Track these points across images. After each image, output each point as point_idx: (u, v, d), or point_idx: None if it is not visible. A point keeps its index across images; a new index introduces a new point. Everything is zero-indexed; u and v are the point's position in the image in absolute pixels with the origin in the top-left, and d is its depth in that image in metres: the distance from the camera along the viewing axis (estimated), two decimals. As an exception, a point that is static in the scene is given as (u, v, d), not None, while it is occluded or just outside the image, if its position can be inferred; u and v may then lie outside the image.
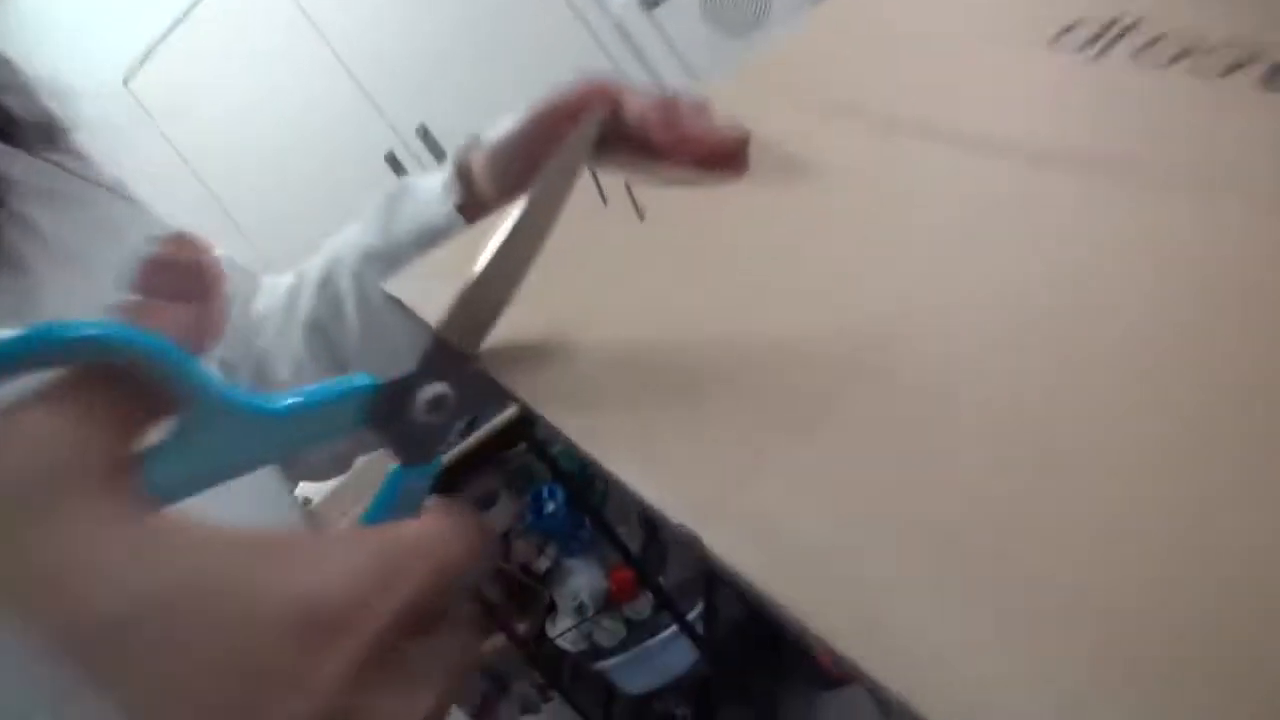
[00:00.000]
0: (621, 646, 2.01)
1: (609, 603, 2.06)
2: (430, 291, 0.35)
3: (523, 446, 1.87)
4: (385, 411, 0.27)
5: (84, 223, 0.45)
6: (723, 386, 0.26)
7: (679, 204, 0.36)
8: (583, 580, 2.06)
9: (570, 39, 2.09)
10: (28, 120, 0.46)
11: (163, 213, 0.59)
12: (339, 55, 2.21)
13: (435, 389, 0.28)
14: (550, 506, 2.07)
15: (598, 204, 0.37)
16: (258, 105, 2.28)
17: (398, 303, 0.36)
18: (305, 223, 2.24)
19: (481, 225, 0.40)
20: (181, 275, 0.27)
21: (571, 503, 2.04)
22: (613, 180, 0.38)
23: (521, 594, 2.14)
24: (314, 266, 0.58)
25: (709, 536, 0.21)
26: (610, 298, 0.31)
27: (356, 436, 0.27)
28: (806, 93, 0.40)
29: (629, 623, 2.06)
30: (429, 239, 0.50)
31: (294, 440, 0.26)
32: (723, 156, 0.38)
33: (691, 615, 2.01)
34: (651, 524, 2.17)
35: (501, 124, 0.48)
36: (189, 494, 0.24)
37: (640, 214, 0.36)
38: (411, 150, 2.25)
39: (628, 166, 0.39)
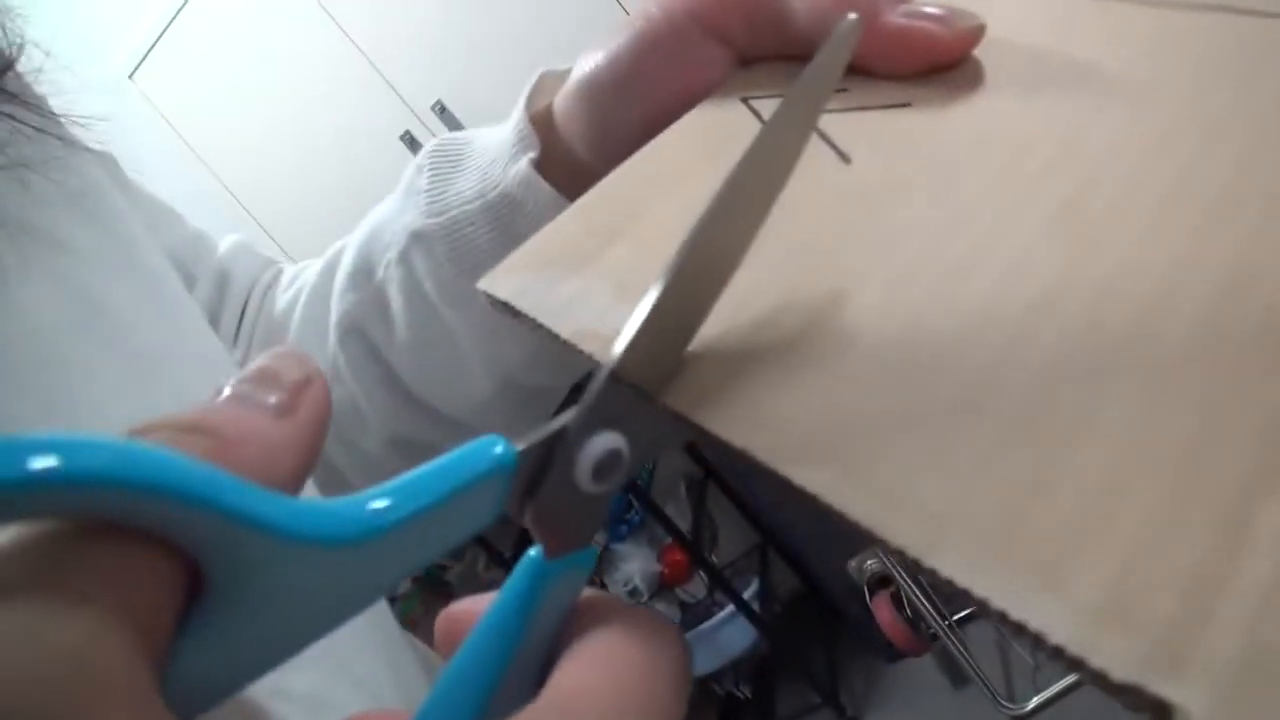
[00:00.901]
0: (677, 630, 1.95)
1: (662, 586, 2.00)
2: (555, 289, 0.25)
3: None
4: (530, 486, 0.19)
5: (51, 193, 0.34)
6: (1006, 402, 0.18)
7: (894, 136, 0.26)
8: (634, 565, 2.00)
9: (587, 5, 1.98)
10: None
11: (176, 207, 0.50)
12: (347, 32, 2.11)
13: (605, 443, 0.19)
14: (596, 490, 2.00)
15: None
16: (265, 90, 2.19)
17: (506, 309, 0.25)
18: (322, 210, 2.18)
19: (617, 184, 0.28)
20: (275, 386, 0.16)
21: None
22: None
23: (571, 581, 2.07)
24: (345, 253, 0.45)
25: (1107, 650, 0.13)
26: (825, 283, 0.22)
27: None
28: None
29: (684, 605, 2.01)
30: (498, 211, 0.38)
31: (398, 567, 0.16)
32: (947, 62, 0.27)
33: (747, 594, 1.95)
34: (700, 499, 2.10)
35: (593, 50, 0.34)
36: (245, 684, 0.15)
37: (844, 156, 0.26)
38: (429, 128, 2.15)
39: None
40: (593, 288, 0.24)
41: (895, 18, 0.27)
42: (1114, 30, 0.27)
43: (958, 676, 1.84)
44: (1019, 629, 0.14)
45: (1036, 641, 0.14)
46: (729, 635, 1.95)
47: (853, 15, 0.21)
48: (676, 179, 0.27)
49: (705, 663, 1.96)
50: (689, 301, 0.20)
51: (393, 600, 2.11)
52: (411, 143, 2.16)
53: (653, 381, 0.20)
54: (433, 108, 2.13)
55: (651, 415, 0.20)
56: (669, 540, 1.96)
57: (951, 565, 0.15)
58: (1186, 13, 0.27)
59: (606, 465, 0.19)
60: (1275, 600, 0.13)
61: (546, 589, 0.19)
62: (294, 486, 0.16)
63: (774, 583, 2.12)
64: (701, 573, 1.95)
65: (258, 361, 0.17)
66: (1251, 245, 0.19)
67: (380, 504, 0.15)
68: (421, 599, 2.07)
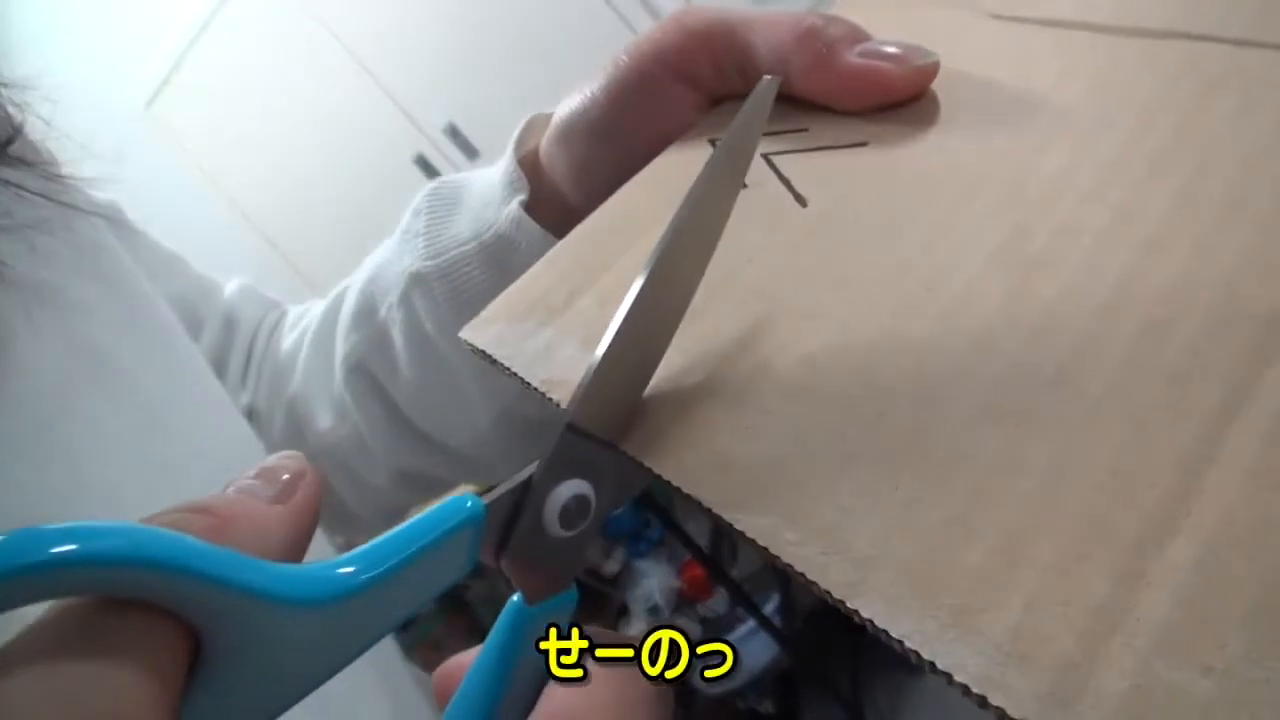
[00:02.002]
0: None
1: (683, 602, 2.00)
2: (529, 340, 0.26)
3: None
4: (503, 536, 0.20)
5: (57, 252, 0.35)
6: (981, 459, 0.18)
7: (849, 176, 0.27)
8: (654, 581, 2.00)
9: (597, 22, 2.00)
10: None
11: (195, 236, 0.52)
12: (359, 58, 2.14)
13: (570, 489, 0.20)
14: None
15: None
16: (280, 117, 2.22)
17: (485, 357, 0.27)
18: (337, 232, 2.20)
19: (586, 235, 0.29)
20: (272, 479, 0.19)
21: (637, 501, 1.97)
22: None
23: (591, 599, 2.08)
24: (348, 294, 0.47)
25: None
26: (779, 327, 0.23)
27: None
28: None
29: (705, 621, 2.00)
30: (492, 251, 0.39)
31: (379, 622, 0.18)
32: (902, 99, 0.28)
33: (768, 608, 1.94)
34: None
35: (572, 96, 0.35)
36: None
37: (800, 198, 0.26)
38: (441, 150, 2.17)
39: (763, 131, 0.29)
40: (561, 338, 0.26)
41: (851, 57, 0.28)
42: (1067, 61, 0.28)
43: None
44: (931, 667, 0.15)
45: (948, 679, 0.15)
46: (750, 650, 1.94)
47: (768, 78, 0.23)
48: (642, 229, 0.28)
49: (727, 678, 1.95)
50: (638, 352, 0.21)
51: (414, 621, 2.12)
52: (424, 165, 2.19)
53: (610, 429, 0.21)
54: (445, 130, 2.15)
55: (614, 460, 0.21)
56: (689, 556, 1.96)
57: (872, 608, 0.16)
58: (1140, 40, 0.27)
59: (574, 511, 0.20)
60: (1169, 636, 0.14)
61: (528, 634, 0.20)
62: (287, 559, 0.17)
63: (795, 597, 2.11)
64: (722, 588, 1.95)
65: (260, 462, 0.19)
66: (1184, 283, 0.20)
67: (350, 568, 0.17)
68: (444, 619, 2.08)
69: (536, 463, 0.20)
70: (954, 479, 0.18)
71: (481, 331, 0.27)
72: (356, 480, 0.50)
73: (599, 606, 2.06)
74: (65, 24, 2.06)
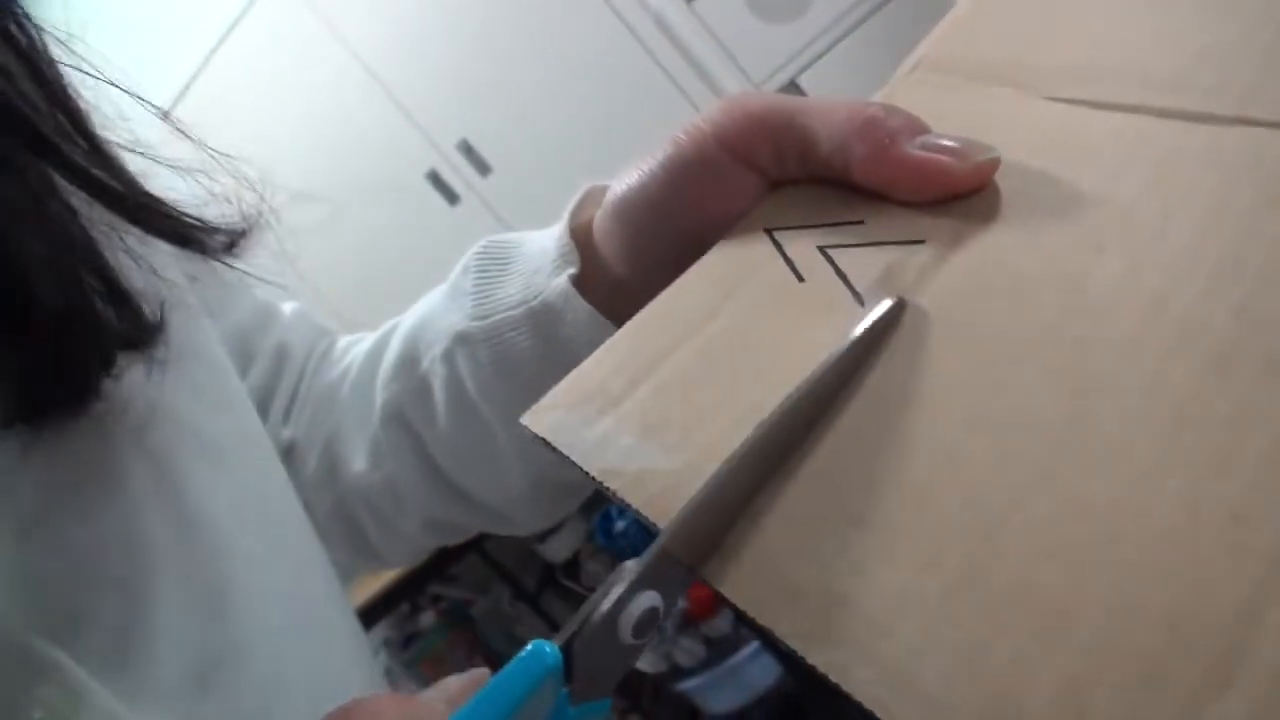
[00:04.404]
0: (702, 666, 1.95)
1: (687, 621, 1.99)
2: (588, 428, 0.26)
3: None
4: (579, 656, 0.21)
5: (183, 380, 0.38)
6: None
7: (908, 277, 0.27)
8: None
9: (608, 37, 2.00)
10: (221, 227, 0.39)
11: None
12: (373, 72, 2.15)
13: (646, 601, 0.22)
14: (620, 525, 2.01)
15: (787, 284, 0.28)
16: (294, 130, 2.22)
17: (544, 444, 0.27)
18: (350, 247, 2.20)
19: (644, 324, 0.29)
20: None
21: (641, 520, 1.96)
22: (802, 245, 0.29)
23: (596, 617, 2.07)
24: (393, 338, 0.47)
25: None
26: (862, 458, 0.24)
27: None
28: (1022, 68, 0.30)
29: (709, 641, 2.00)
30: (539, 319, 0.39)
31: None
32: (961, 193, 0.28)
33: (773, 630, 1.94)
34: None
35: (629, 172, 0.35)
36: None
37: (859, 297, 0.27)
38: (454, 166, 2.18)
39: (820, 221, 0.29)
40: (620, 428, 0.26)
41: (912, 149, 0.28)
42: (1125, 149, 0.27)
43: None
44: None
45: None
46: (754, 671, 1.94)
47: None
48: (700, 320, 0.28)
49: (732, 699, 1.95)
50: (736, 492, 0.23)
51: (417, 635, 2.12)
52: (437, 181, 2.19)
53: (695, 556, 0.22)
54: (458, 146, 2.16)
55: (685, 577, 0.23)
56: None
57: None
58: (1203, 126, 0.26)
59: (646, 622, 0.22)
60: None
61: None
62: None
63: (799, 617, 2.11)
64: (727, 608, 1.95)
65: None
66: (1243, 417, 0.20)
67: None
68: (446, 635, 2.08)
69: (609, 593, 0.21)
70: (1016, 620, 0.19)
71: (541, 418, 0.28)
72: (385, 524, 0.50)
73: (603, 625, 2.06)
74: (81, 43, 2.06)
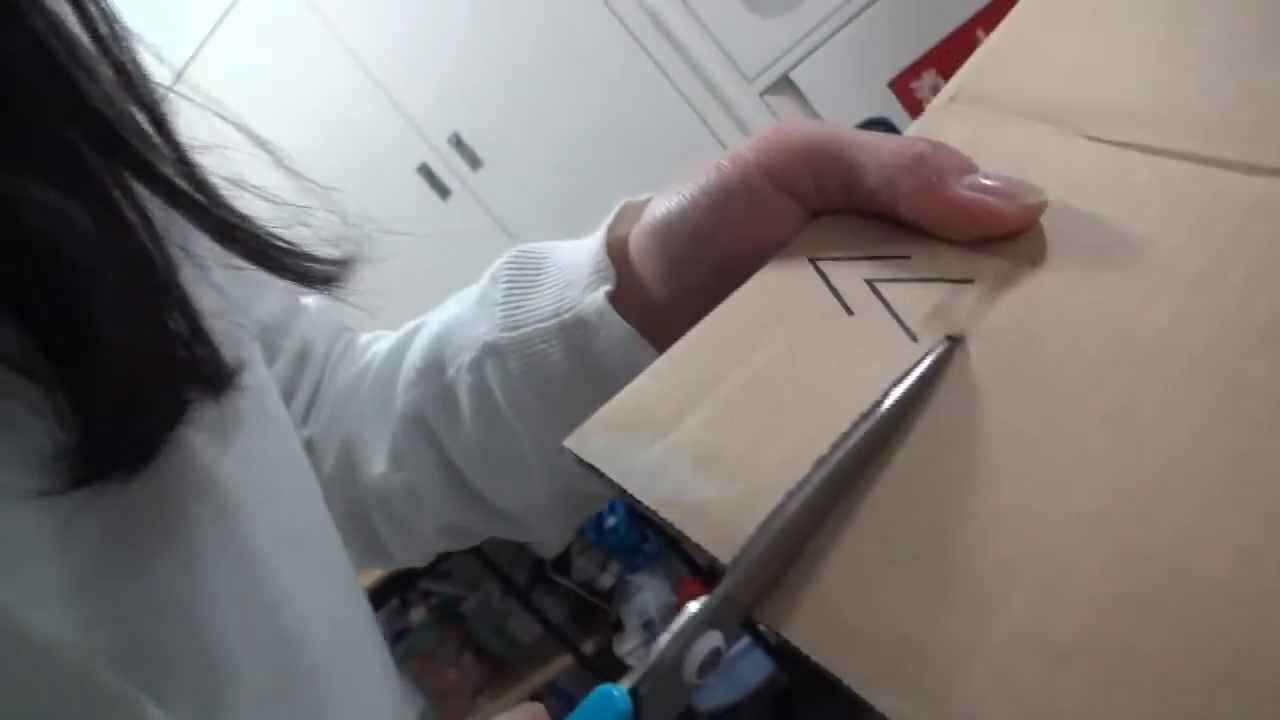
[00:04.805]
0: (694, 662, 1.95)
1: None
2: (638, 455, 0.26)
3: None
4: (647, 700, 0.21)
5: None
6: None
7: (958, 317, 0.27)
8: (649, 595, 2.00)
9: (601, 31, 1.99)
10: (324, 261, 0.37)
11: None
12: (364, 65, 2.14)
13: (710, 643, 0.22)
14: (611, 521, 2.01)
15: (836, 316, 0.28)
16: (285, 124, 2.20)
17: (591, 469, 0.27)
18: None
19: (689, 351, 0.29)
20: None
21: (633, 516, 1.97)
22: (848, 277, 0.28)
23: (586, 613, 2.08)
24: (415, 341, 0.46)
25: None
26: (919, 503, 0.24)
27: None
28: (1060, 106, 0.30)
29: (700, 637, 2.00)
30: (571, 333, 0.38)
31: None
32: (1008, 235, 0.28)
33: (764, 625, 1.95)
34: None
35: (669, 194, 0.35)
36: None
37: (911, 334, 0.27)
38: (445, 160, 2.17)
39: (865, 253, 0.29)
40: (672, 459, 0.26)
41: (960, 189, 0.28)
42: (1169, 196, 0.27)
43: None
44: None
45: None
46: (746, 667, 1.95)
47: None
48: (747, 347, 0.28)
49: (723, 695, 1.96)
50: (797, 532, 0.23)
51: (407, 630, 2.12)
52: (428, 175, 2.18)
53: (756, 598, 0.23)
54: (449, 140, 2.15)
55: (742, 615, 0.23)
56: (685, 571, 1.97)
57: None
58: (1244, 177, 0.26)
59: (709, 662, 0.22)
60: None
61: None
62: None
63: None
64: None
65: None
66: None
67: None
68: (436, 631, 2.08)
69: (668, 638, 0.22)
70: (1076, 667, 0.19)
71: (587, 442, 0.27)
72: (400, 526, 0.49)
73: (593, 621, 2.06)
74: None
